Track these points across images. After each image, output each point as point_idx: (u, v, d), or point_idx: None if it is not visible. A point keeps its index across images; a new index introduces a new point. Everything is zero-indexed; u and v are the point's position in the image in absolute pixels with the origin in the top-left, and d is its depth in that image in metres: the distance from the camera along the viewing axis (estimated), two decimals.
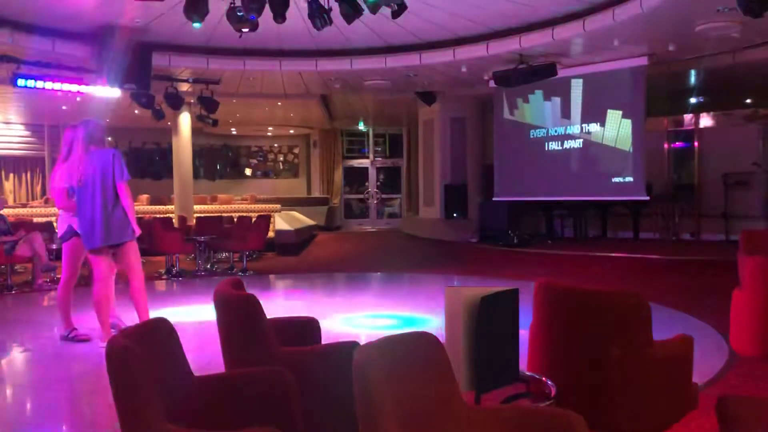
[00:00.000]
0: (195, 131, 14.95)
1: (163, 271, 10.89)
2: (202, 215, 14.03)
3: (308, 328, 3.85)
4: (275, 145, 22.40)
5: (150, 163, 20.07)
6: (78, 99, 12.34)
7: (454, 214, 14.98)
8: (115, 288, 6.47)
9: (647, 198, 11.82)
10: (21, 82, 10.18)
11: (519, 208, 13.65)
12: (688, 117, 14.23)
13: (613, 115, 11.55)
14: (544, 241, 13.08)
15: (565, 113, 12.32)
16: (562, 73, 11.28)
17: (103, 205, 5.59)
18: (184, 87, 12.62)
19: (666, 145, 14.29)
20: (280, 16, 7.03)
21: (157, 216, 13.37)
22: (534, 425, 2.31)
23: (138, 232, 5.86)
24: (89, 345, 5.86)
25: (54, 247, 9.45)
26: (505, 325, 2.73)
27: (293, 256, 13.57)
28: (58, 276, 9.70)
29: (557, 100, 12.39)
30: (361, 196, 21.80)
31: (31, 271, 9.74)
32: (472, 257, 12.65)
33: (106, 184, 5.61)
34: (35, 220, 12.35)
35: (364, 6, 6.87)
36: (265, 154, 22.45)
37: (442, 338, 2.51)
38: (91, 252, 5.75)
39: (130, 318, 6.10)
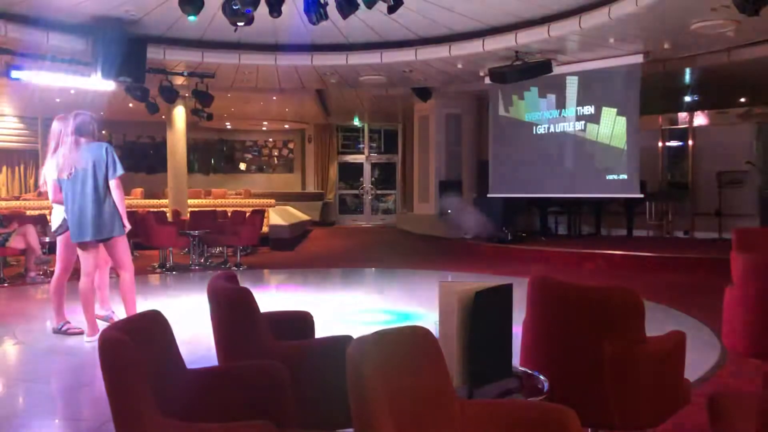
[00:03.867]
0: (189, 125, 14.91)
1: (156, 265, 10.88)
2: (197, 209, 14.01)
3: (302, 322, 3.85)
4: (270, 139, 22.37)
5: (144, 157, 20.01)
6: (72, 92, 12.30)
7: (449, 210, 14.99)
8: (109, 281, 6.48)
9: (641, 196, 11.85)
10: (15, 74, 10.12)
11: (513, 204, 13.66)
12: (682, 115, 14.27)
13: (608, 113, 11.57)
14: (538, 237, 13.11)
15: (560, 110, 12.34)
16: (557, 70, 11.30)
17: (94, 198, 5.55)
18: (179, 80, 12.59)
19: (660, 143, 14.33)
20: (275, 10, 7.02)
21: (151, 210, 13.34)
22: (527, 420, 2.32)
23: (128, 227, 5.83)
24: (82, 338, 5.85)
25: (47, 239, 9.43)
26: (498, 320, 2.74)
27: (287, 251, 13.56)
28: (51, 269, 9.69)
29: (552, 97, 12.40)
30: (355, 191, 21.79)
31: (23, 263, 9.71)
32: (466, 253, 12.68)
33: (98, 178, 5.57)
34: (28, 212, 12.30)
35: (359, 1, 6.87)
36: (260, 149, 22.41)
37: (435, 333, 2.51)
38: (79, 245, 5.72)
39: (122, 312, 6.07)
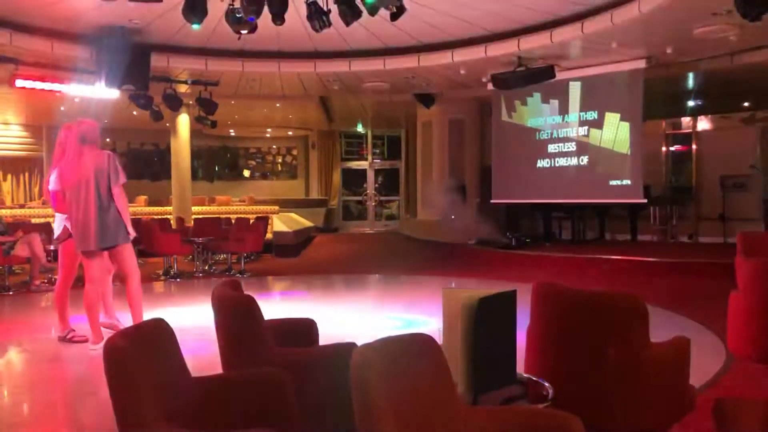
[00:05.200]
0: (193, 132, 14.95)
1: (161, 272, 10.88)
2: (201, 216, 14.04)
3: (306, 329, 3.86)
4: (273, 146, 22.41)
5: (148, 164, 20.07)
6: (76, 100, 12.34)
7: (452, 216, 14.97)
8: (113, 289, 6.48)
9: (645, 200, 11.82)
10: (19, 82, 10.18)
11: (517, 210, 13.65)
12: (686, 120, 14.25)
13: (611, 118, 11.56)
14: (541, 243, 13.08)
15: (563, 116, 12.33)
16: (560, 75, 11.31)
17: (97, 207, 5.56)
18: (183, 88, 12.63)
19: (664, 148, 14.31)
20: (278, 17, 7.04)
21: (155, 217, 13.37)
22: (531, 427, 2.31)
23: (133, 234, 5.83)
24: (86, 346, 5.85)
25: (52, 248, 9.44)
26: (502, 326, 2.74)
27: (291, 257, 13.56)
28: (56, 277, 9.70)
29: (555, 102, 12.41)
30: (359, 198, 21.80)
31: (28, 271, 9.73)
32: (469, 259, 12.66)
33: (101, 186, 5.57)
34: (33, 220, 12.35)
35: (362, 8, 6.89)
36: (264, 156, 22.45)
37: (440, 340, 2.51)
38: (84, 254, 5.73)
39: (127, 319, 6.08)
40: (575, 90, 12.05)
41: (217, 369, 3.37)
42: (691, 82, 12.31)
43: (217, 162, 21.90)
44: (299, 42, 10.47)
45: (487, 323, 2.60)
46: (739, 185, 12.84)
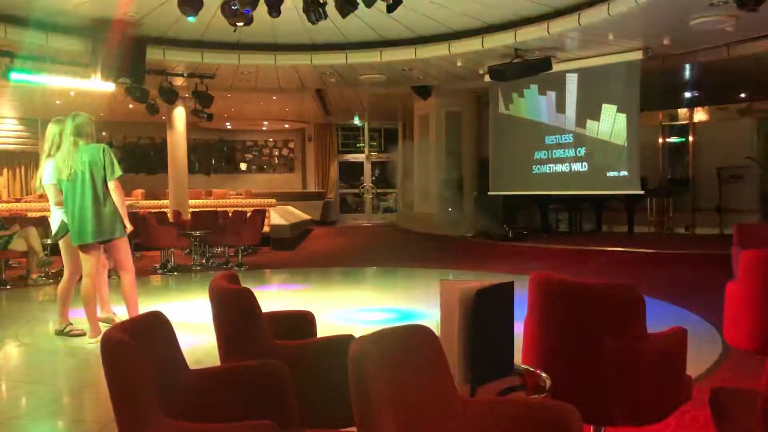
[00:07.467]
0: (190, 126, 14.92)
1: (158, 266, 10.88)
2: (197, 210, 14.03)
3: (304, 321, 3.85)
4: (270, 139, 22.36)
5: (145, 158, 20.01)
6: (72, 93, 12.30)
7: (449, 209, 14.99)
8: (109, 283, 6.48)
9: (642, 192, 11.84)
10: (14, 76, 10.13)
11: (514, 202, 13.66)
12: (682, 111, 14.27)
13: (608, 110, 11.56)
14: (539, 235, 13.10)
15: (560, 108, 12.32)
16: (557, 67, 11.29)
17: (93, 200, 5.55)
18: (179, 81, 12.59)
19: (661, 140, 14.33)
20: (274, 9, 7.03)
21: (152, 211, 13.36)
22: (529, 417, 2.32)
23: (129, 228, 5.83)
24: (84, 340, 5.85)
25: (49, 241, 9.43)
26: (500, 317, 2.74)
27: (288, 250, 13.57)
28: (53, 271, 9.70)
29: (552, 94, 12.39)
30: (356, 190, 21.79)
31: (25, 266, 9.72)
32: (467, 251, 12.67)
33: (96, 180, 5.56)
34: (29, 214, 12.32)
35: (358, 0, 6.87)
36: (260, 149, 22.41)
37: (437, 331, 2.52)
38: (80, 247, 5.72)
39: (124, 313, 6.08)
40: (572, 82, 12.04)
41: (215, 362, 3.37)
42: (687, 73, 12.31)
43: (214, 155, 21.85)
44: (295, 34, 10.44)
45: (484, 314, 2.60)
46: (736, 176, 12.87)
